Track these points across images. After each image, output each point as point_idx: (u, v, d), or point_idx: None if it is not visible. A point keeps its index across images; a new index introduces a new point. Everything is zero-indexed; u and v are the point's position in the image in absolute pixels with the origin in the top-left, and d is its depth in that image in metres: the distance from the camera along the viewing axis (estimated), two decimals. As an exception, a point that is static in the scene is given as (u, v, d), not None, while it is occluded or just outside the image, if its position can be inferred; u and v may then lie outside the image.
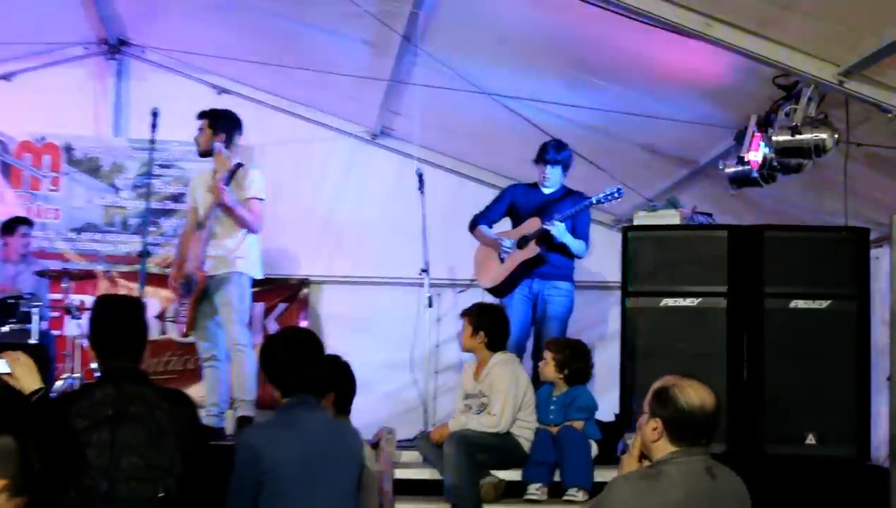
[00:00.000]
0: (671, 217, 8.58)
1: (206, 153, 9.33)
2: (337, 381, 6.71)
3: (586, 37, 8.38)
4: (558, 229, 9.07)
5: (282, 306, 11.99)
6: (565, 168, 9.43)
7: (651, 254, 8.25)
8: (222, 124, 9.31)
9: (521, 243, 9.28)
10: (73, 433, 5.31)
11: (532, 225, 9.27)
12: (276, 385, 5.90)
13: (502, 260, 9.36)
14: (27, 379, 5.14)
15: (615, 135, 10.01)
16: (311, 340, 6.17)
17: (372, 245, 12.09)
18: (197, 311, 9.09)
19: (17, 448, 3.90)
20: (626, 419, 7.99)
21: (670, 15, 6.94)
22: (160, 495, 5.51)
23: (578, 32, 8.34)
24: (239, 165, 9.18)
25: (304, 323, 11.86)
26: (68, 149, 12.18)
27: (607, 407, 8.60)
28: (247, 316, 9.27)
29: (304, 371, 5.91)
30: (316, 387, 6.01)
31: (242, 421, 8.97)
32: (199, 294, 9.00)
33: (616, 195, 9.14)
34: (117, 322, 5.86)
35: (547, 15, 8.22)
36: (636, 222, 8.67)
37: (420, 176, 10.15)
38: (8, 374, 4.93)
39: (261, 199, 9.19)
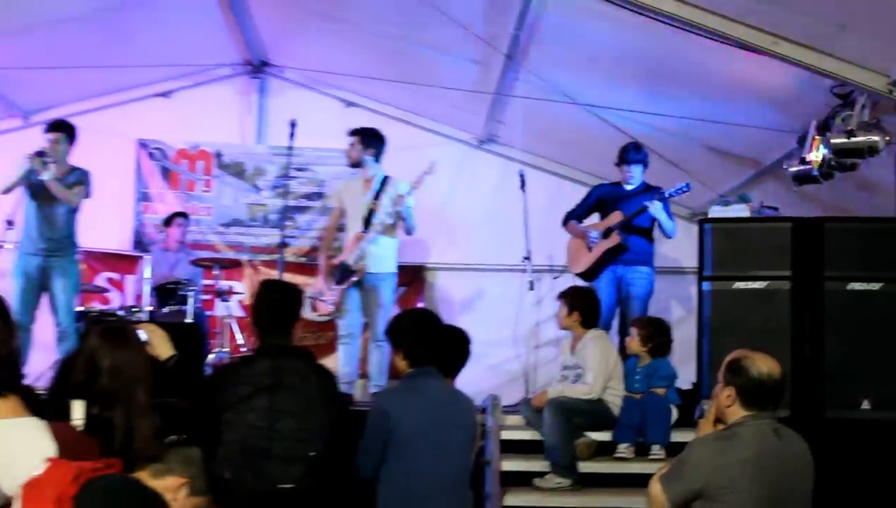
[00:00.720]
0: (742, 210, 8.53)
1: (355, 164, 9.44)
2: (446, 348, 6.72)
3: (665, 53, 8.38)
4: (656, 207, 9.11)
5: (402, 289, 12.04)
6: (645, 165, 9.47)
7: (724, 242, 8.20)
8: (370, 140, 9.40)
9: (606, 234, 9.32)
10: (237, 398, 5.47)
11: (615, 217, 9.31)
12: (402, 356, 6.01)
13: (590, 249, 9.40)
14: (162, 347, 5.29)
15: (691, 139, 9.98)
16: (433, 318, 6.28)
17: (479, 236, 12.11)
18: (344, 296, 9.21)
19: (200, 456, 4.09)
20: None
21: (743, 35, 6.98)
22: (311, 454, 5.65)
23: (658, 50, 8.34)
24: (386, 177, 9.30)
25: (421, 305, 11.94)
26: (218, 155, 12.38)
27: (685, 376, 8.58)
28: (392, 311, 9.25)
29: (427, 345, 6.00)
30: (436, 359, 6.10)
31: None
32: (352, 284, 9.11)
33: (685, 189, 9.21)
34: (271, 303, 5.97)
35: (631, 34, 8.22)
36: (711, 215, 8.63)
37: (522, 176, 10.17)
38: (146, 343, 5.08)
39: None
